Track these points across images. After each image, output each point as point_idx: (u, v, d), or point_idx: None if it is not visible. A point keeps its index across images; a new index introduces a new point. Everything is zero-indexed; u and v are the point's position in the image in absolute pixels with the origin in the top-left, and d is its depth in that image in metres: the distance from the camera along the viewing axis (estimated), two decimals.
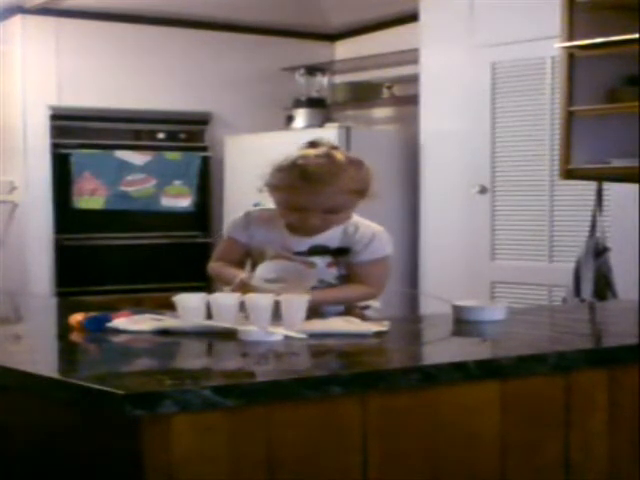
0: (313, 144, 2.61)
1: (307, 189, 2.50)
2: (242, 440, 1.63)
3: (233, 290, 2.43)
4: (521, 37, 5.04)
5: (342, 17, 6.49)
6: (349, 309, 2.55)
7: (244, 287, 2.41)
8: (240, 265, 2.64)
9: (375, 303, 2.65)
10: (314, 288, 2.48)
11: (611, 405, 2.03)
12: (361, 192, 2.56)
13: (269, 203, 2.64)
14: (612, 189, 4.50)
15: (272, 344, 2.03)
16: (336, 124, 5.87)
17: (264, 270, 2.51)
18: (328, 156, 2.55)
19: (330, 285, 2.57)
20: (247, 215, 2.67)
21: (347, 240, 2.58)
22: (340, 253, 2.58)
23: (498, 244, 5.28)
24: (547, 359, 1.96)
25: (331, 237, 2.58)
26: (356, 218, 2.61)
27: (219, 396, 1.59)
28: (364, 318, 2.45)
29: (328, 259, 2.58)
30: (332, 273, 2.59)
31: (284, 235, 2.59)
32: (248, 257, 2.66)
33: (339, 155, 2.55)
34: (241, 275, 2.51)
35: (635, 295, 3.88)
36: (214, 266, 2.69)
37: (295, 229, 2.59)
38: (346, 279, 2.59)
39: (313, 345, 2.06)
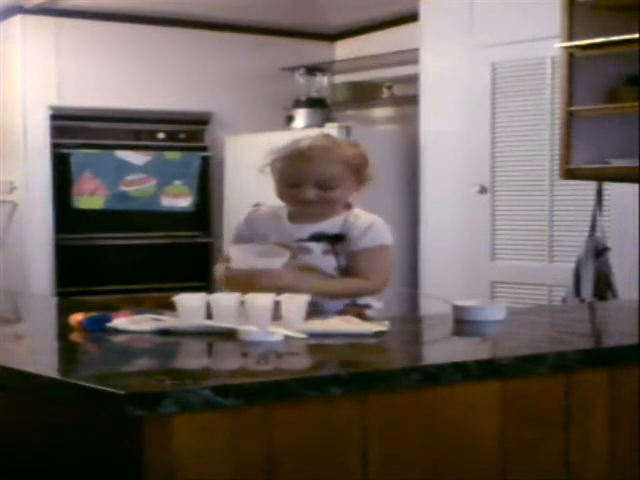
0: None
1: (301, 159, 2.59)
2: (242, 440, 1.63)
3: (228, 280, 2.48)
4: (521, 37, 5.04)
5: (342, 17, 6.49)
6: (348, 308, 2.55)
7: (231, 275, 2.44)
8: None
9: (377, 304, 2.65)
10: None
11: (611, 405, 2.03)
12: (356, 167, 2.62)
13: (269, 203, 2.67)
14: (612, 189, 4.50)
15: (272, 344, 2.03)
16: (336, 124, 5.87)
17: (237, 253, 2.53)
18: (325, 136, 2.72)
19: (329, 276, 2.60)
20: (248, 216, 2.75)
21: (347, 228, 2.62)
22: (337, 239, 2.60)
23: (498, 244, 5.28)
24: (547, 359, 1.96)
25: (332, 225, 2.62)
26: (357, 210, 2.67)
27: (219, 396, 1.59)
28: (363, 318, 2.45)
29: (325, 245, 2.60)
30: (330, 263, 2.60)
31: (285, 224, 2.65)
32: None
33: (336, 136, 2.67)
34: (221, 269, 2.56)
35: (635, 295, 3.88)
36: (216, 269, 2.73)
37: (296, 217, 2.63)
38: (347, 271, 2.61)
39: (313, 345, 2.06)
